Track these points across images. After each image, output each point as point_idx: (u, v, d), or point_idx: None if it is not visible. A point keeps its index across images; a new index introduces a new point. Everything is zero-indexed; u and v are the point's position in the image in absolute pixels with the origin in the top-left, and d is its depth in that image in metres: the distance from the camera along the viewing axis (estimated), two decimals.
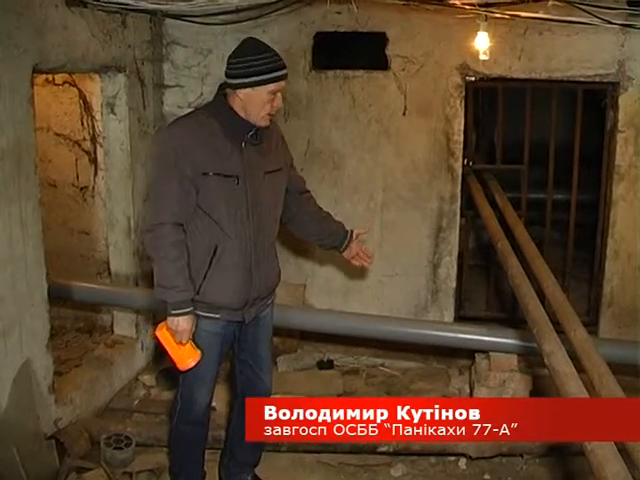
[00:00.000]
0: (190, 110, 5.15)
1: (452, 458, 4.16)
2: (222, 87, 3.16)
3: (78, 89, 5.20)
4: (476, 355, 4.40)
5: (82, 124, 5.27)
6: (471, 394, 4.47)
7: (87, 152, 5.31)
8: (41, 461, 3.84)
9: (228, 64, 3.05)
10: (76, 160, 5.36)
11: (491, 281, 5.58)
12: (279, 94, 3.08)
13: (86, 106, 5.21)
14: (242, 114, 3.08)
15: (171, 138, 3.11)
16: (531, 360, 4.35)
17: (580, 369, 2.54)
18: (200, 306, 3.15)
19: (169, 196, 3.04)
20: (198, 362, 3.17)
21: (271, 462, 4.03)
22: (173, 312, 3.06)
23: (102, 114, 4.83)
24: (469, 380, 4.70)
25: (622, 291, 5.03)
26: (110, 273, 5.12)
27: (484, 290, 5.72)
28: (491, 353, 4.26)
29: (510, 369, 4.22)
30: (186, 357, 3.16)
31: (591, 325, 5.01)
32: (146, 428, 4.29)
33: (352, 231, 3.61)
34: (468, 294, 5.64)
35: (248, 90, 3.01)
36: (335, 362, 5.41)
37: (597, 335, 5.00)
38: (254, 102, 3.03)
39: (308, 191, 3.63)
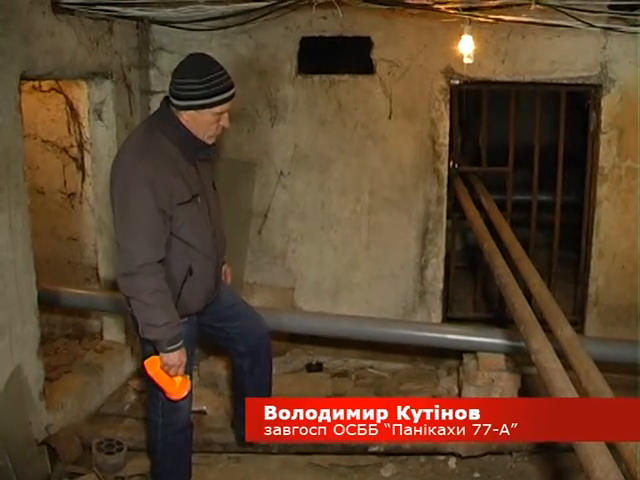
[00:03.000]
0: None
1: (442, 457, 4.19)
2: (167, 99, 3.09)
3: (65, 96, 5.22)
4: (464, 355, 4.45)
5: (69, 131, 5.28)
6: (460, 394, 4.50)
7: (74, 159, 5.33)
8: (33, 467, 3.85)
9: (172, 83, 3.00)
10: (63, 167, 5.38)
11: (478, 282, 5.62)
12: (225, 114, 3.05)
13: (73, 113, 5.22)
14: (191, 131, 3.05)
15: (143, 171, 2.93)
16: (519, 359, 4.38)
17: (567, 366, 2.58)
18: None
19: (147, 234, 2.95)
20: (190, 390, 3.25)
21: (262, 464, 4.08)
22: (169, 348, 3.04)
23: (89, 120, 4.85)
24: (457, 380, 4.73)
25: (607, 290, 5.08)
26: (99, 279, 5.13)
27: (471, 291, 5.76)
28: (479, 353, 4.31)
29: (498, 368, 4.27)
30: (181, 388, 3.19)
31: (577, 324, 5.05)
32: (137, 433, 4.30)
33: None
34: (455, 295, 5.67)
35: (192, 112, 2.99)
36: (324, 364, 5.43)
37: (583, 334, 5.05)
38: (199, 124, 3.03)
39: None
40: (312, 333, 4.90)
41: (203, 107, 2.96)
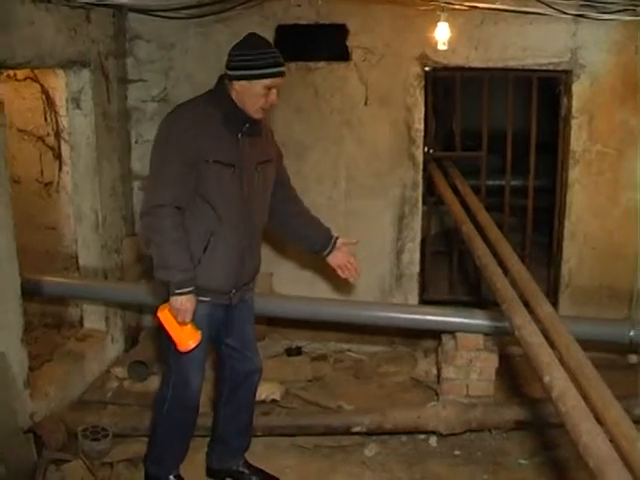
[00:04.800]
0: (155, 104, 5.28)
1: (422, 436, 4.28)
2: (222, 78, 3.24)
3: (41, 85, 5.19)
4: (443, 336, 4.51)
5: (45, 120, 5.25)
6: (439, 375, 4.58)
7: (51, 148, 5.31)
8: (19, 455, 3.85)
9: (229, 56, 3.15)
10: (40, 156, 5.35)
11: (453, 266, 5.72)
12: (274, 90, 3.17)
13: (49, 101, 5.19)
14: (239, 105, 3.16)
15: (176, 122, 3.17)
16: (496, 339, 4.48)
17: (548, 343, 2.66)
18: (195, 281, 3.20)
19: (170, 179, 3.11)
20: (198, 343, 3.24)
21: None
22: (177, 291, 3.12)
23: (67, 109, 4.84)
24: (436, 361, 4.82)
25: (579, 271, 5.21)
26: (78, 267, 5.13)
27: (446, 275, 5.85)
28: (457, 333, 4.37)
29: (477, 348, 4.34)
30: (187, 338, 3.22)
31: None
32: (122, 419, 4.35)
33: (337, 238, 3.68)
34: (431, 278, 5.76)
35: (244, 82, 3.11)
36: (303, 349, 5.51)
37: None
38: (249, 94, 3.13)
39: (293, 189, 3.72)
40: (291, 317, 4.94)
41: (254, 77, 3.09)
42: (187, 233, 3.16)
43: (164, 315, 3.22)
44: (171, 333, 3.23)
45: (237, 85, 3.14)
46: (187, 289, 3.14)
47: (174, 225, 3.11)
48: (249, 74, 3.10)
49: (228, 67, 3.15)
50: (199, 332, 3.24)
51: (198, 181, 3.15)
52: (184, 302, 3.14)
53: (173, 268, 3.11)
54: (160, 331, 3.35)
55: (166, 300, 3.20)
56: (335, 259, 3.69)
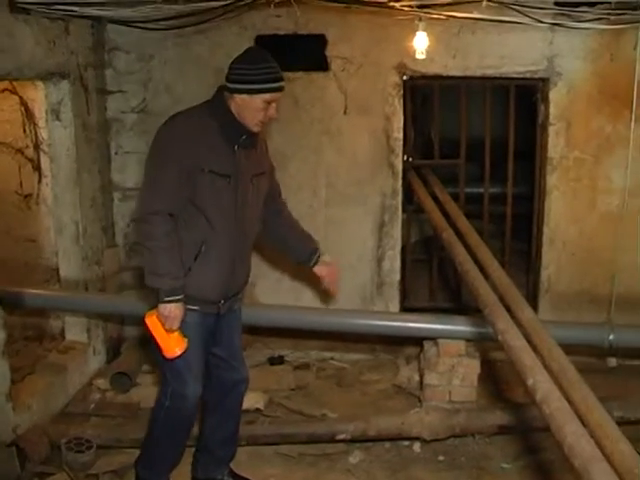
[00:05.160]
0: (134, 115, 5.28)
1: (406, 443, 4.30)
2: (220, 89, 3.27)
3: (19, 96, 5.17)
4: (424, 343, 4.53)
5: (24, 131, 5.22)
6: (421, 381, 4.60)
7: (30, 160, 5.27)
8: (3, 469, 3.85)
9: (230, 69, 3.19)
10: (19, 168, 5.32)
11: (433, 273, 5.75)
12: (274, 104, 3.22)
13: (28, 113, 5.18)
14: (238, 117, 3.20)
15: (173, 130, 3.20)
16: (477, 345, 4.51)
17: (530, 347, 2.69)
18: (184, 290, 3.22)
19: (165, 186, 3.14)
20: (184, 351, 3.25)
21: None
22: (166, 299, 3.15)
23: (47, 121, 4.84)
24: (418, 368, 4.84)
25: (558, 277, 5.27)
26: (59, 279, 5.12)
27: (426, 282, 5.89)
28: (439, 340, 4.40)
29: (458, 354, 4.37)
30: (174, 345, 3.24)
31: None
32: (105, 430, 4.33)
33: (320, 254, 3.77)
34: (411, 286, 5.79)
35: (244, 96, 3.15)
36: (285, 357, 5.51)
37: None
38: (249, 108, 3.18)
39: (284, 202, 3.80)
40: (274, 326, 4.94)
41: (254, 92, 3.14)
42: (179, 241, 3.19)
43: (152, 321, 3.24)
44: (158, 339, 3.25)
45: (238, 98, 3.17)
46: (177, 297, 3.17)
47: (167, 232, 3.13)
48: (250, 88, 3.13)
49: (229, 80, 3.19)
50: (185, 340, 3.26)
51: (193, 190, 3.17)
52: (173, 310, 3.16)
53: (164, 275, 3.14)
54: (151, 343, 3.34)
55: (155, 306, 3.21)
56: (322, 271, 3.78)
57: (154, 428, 3.57)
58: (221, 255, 3.30)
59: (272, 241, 3.79)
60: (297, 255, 3.78)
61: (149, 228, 3.14)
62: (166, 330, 3.21)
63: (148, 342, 3.40)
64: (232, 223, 3.29)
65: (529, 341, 2.65)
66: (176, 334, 3.23)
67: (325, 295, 4.98)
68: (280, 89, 3.22)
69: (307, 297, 5.44)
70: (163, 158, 3.17)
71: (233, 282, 3.43)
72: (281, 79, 3.21)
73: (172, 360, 3.28)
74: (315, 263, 3.75)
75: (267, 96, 3.16)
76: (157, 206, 3.12)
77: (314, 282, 5.35)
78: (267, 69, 3.16)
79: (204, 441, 3.77)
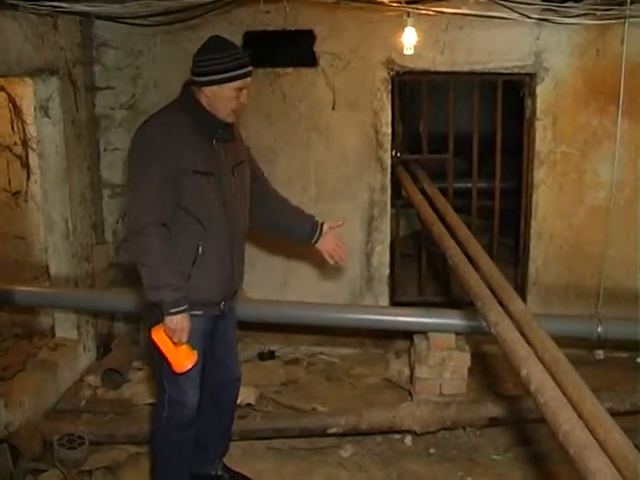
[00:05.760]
0: (123, 111, 5.28)
1: (397, 436, 4.33)
2: (187, 84, 3.19)
3: (7, 93, 5.15)
4: (415, 336, 4.56)
5: (12, 129, 5.20)
6: (412, 375, 4.63)
7: (19, 157, 5.25)
8: None
9: (194, 62, 3.09)
10: (7, 165, 5.29)
11: (422, 267, 5.78)
12: (245, 91, 3.14)
13: (16, 110, 5.15)
14: (210, 110, 3.12)
15: (150, 136, 3.09)
16: (468, 339, 4.55)
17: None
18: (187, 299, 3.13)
19: (152, 196, 3.02)
20: (195, 364, 3.15)
21: None
22: (172, 311, 3.03)
23: (36, 117, 4.82)
24: (408, 362, 4.87)
25: (546, 270, 5.30)
26: (49, 276, 5.11)
27: (415, 276, 5.92)
28: (430, 333, 4.43)
29: (449, 348, 4.40)
30: (184, 359, 3.12)
31: None
32: (97, 427, 4.35)
33: (322, 223, 3.64)
34: (400, 281, 5.83)
35: (214, 87, 3.07)
36: (276, 353, 5.53)
37: None
38: (220, 99, 3.09)
39: (269, 181, 3.70)
40: (263, 321, 4.96)
41: (224, 81, 3.04)
42: (175, 249, 3.09)
43: (159, 336, 3.12)
44: (167, 355, 3.13)
45: (207, 91, 3.09)
46: (181, 307, 3.06)
47: (162, 244, 3.04)
48: (219, 78, 3.04)
49: (195, 73, 3.10)
50: (195, 352, 3.15)
51: (179, 194, 3.08)
52: (180, 321, 3.06)
53: (166, 288, 3.03)
54: (147, 346, 3.30)
55: (156, 322, 3.11)
56: (325, 244, 3.62)
57: (157, 444, 3.51)
58: (219, 255, 3.23)
59: (265, 223, 3.66)
60: (298, 234, 3.65)
61: (143, 243, 3.03)
62: (175, 344, 3.10)
63: (137, 342, 3.32)
64: (223, 221, 3.20)
65: (521, 333, 2.68)
66: (185, 347, 3.12)
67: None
68: (249, 74, 3.12)
69: (294, 290, 5.47)
70: (144, 168, 3.05)
71: (233, 280, 3.37)
72: (249, 64, 3.11)
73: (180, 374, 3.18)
74: (318, 238, 3.61)
75: (237, 83, 3.08)
76: (147, 219, 3.01)
77: (301, 272, 5.43)
78: (233, 56, 3.05)
79: (199, 438, 3.68)
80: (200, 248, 3.16)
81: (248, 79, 3.13)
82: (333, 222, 3.66)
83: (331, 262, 3.68)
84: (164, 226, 3.05)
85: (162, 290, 3.04)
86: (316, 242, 3.63)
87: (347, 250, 3.71)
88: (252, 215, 3.47)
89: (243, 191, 3.36)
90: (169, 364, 3.16)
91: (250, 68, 3.12)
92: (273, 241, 5.35)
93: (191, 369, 3.16)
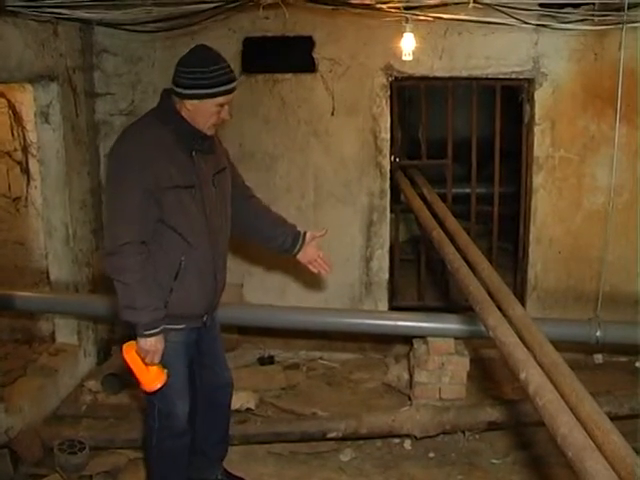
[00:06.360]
0: (123, 117, 5.29)
1: (397, 440, 4.35)
2: (167, 92, 3.10)
3: (7, 99, 5.17)
4: (414, 341, 4.57)
5: (12, 135, 5.22)
6: (411, 380, 4.64)
7: (19, 162, 5.27)
8: None
9: (177, 72, 3.00)
10: (7, 171, 5.31)
11: (421, 272, 5.79)
12: (226, 106, 3.05)
13: (16, 116, 5.17)
14: (190, 122, 3.04)
15: (129, 150, 3.00)
16: (467, 343, 4.55)
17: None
18: (164, 319, 3.07)
19: (131, 213, 2.94)
20: (164, 384, 3.12)
21: None
22: (146, 333, 2.98)
23: (36, 123, 4.85)
24: (408, 366, 4.88)
25: (545, 275, 5.32)
26: (50, 282, 5.13)
27: (414, 281, 5.93)
28: (429, 338, 4.44)
29: (448, 352, 4.41)
30: (154, 379, 3.10)
31: None
32: (98, 432, 4.36)
33: (305, 233, 3.56)
34: (400, 285, 5.83)
35: (195, 101, 2.98)
36: (275, 357, 5.54)
37: None
38: (202, 113, 3.01)
39: (250, 188, 3.59)
40: (263, 326, 4.98)
41: (207, 96, 2.97)
42: (155, 264, 3.03)
43: (131, 357, 3.08)
44: (137, 374, 3.10)
45: (188, 104, 2.99)
46: (157, 329, 3.01)
47: (140, 263, 2.96)
48: (202, 93, 2.96)
49: (177, 84, 2.99)
50: (165, 372, 3.12)
51: (160, 209, 2.99)
52: (153, 343, 3.01)
53: (142, 309, 2.97)
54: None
55: (130, 338, 3.08)
56: (306, 256, 3.56)
57: (151, 457, 3.48)
58: (201, 268, 3.16)
59: (249, 234, 3.58)
60: (280, 244, 3.54)
61: (121, 261, 2.95)
62: (146, 364, 3.06)
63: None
64: (205, 233, 3.13)
65: (520, 337, 2.69)
66: (155, 368, 3.08)
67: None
68: (232, 90, 3.02)
69: (293, 295, 5.49)
70: (123, 184, 2.96)
71: (216, 292, 3.31)
72: (233, 79, 3.02)
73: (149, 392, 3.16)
74: (300, 249, 3.54)
75: (220, 99, 2.99)
76: (126, 237, 2.93)
77: (300, 277, 5.44)
78: (218, 71, 2.95)
79: (196, 445, 3.67)
80: (182, 262, 3.09)
81: (231, 95, 3.04)
82: (316, 232, 3.60)
83: (315, 271, 3.62)
84: (143, 244, 2.99)
85: (138, 311, 2.97)
86: (297, 253, 3.56)
87: (328, 261, 3.62)
88: (234, 224, 3.40)
89: (224, 200, 3.29)
90: (138, 383, 3.14)
91: (234, 84, 3.03)
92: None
93: (161, 388, 3.12)
